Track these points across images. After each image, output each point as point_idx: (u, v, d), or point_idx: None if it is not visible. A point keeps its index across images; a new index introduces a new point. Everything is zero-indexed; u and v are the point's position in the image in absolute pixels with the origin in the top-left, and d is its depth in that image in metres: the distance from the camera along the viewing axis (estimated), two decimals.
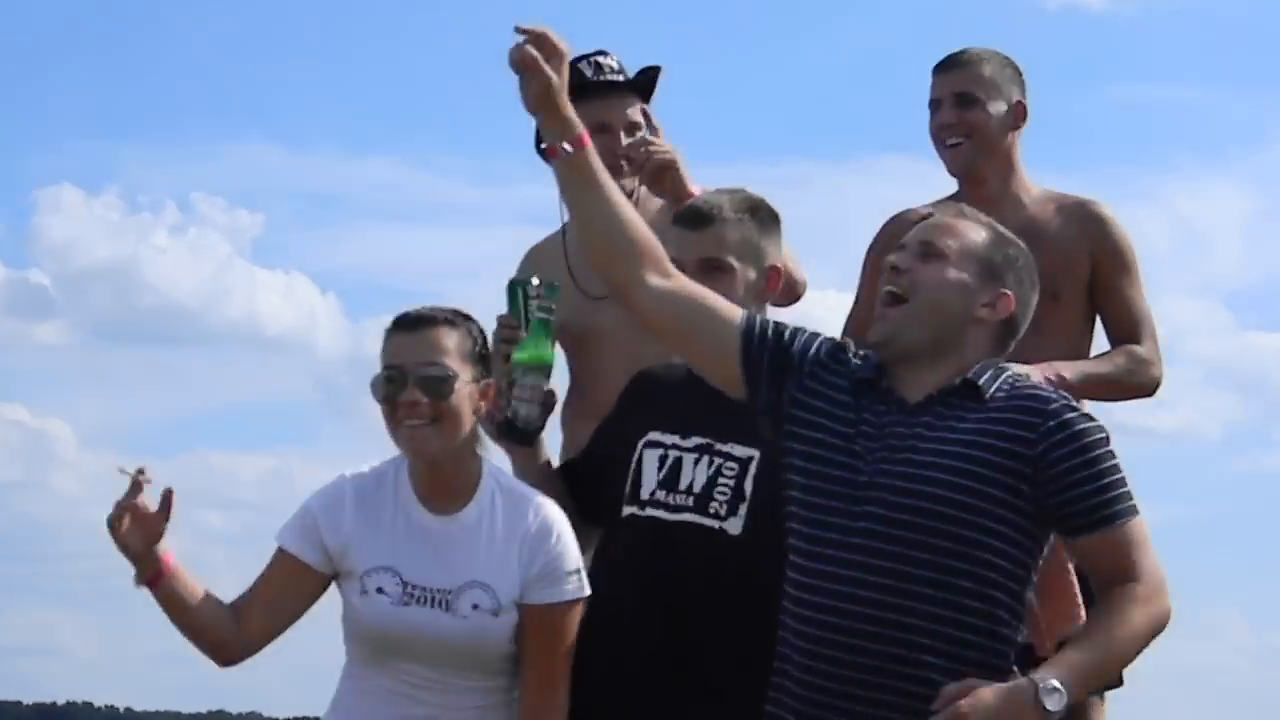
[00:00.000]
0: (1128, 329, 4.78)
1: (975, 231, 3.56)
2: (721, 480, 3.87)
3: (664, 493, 3.91)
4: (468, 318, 3.87)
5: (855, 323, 4.79)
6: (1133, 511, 3.42)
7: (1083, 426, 3.42)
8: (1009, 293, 3.54)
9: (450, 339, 3.77)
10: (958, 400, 3.48)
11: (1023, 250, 3.62)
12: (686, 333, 3.61)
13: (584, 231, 3.60)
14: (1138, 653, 3.42)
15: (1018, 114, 4.83)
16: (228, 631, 3.78)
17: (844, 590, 3.39)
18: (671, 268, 3.62)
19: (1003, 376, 3.51)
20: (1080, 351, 4.74)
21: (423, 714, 3.76)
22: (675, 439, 3.95)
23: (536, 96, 3.49)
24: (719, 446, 3.91)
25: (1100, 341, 4.89)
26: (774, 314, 4.09)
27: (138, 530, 3.64)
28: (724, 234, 3.96)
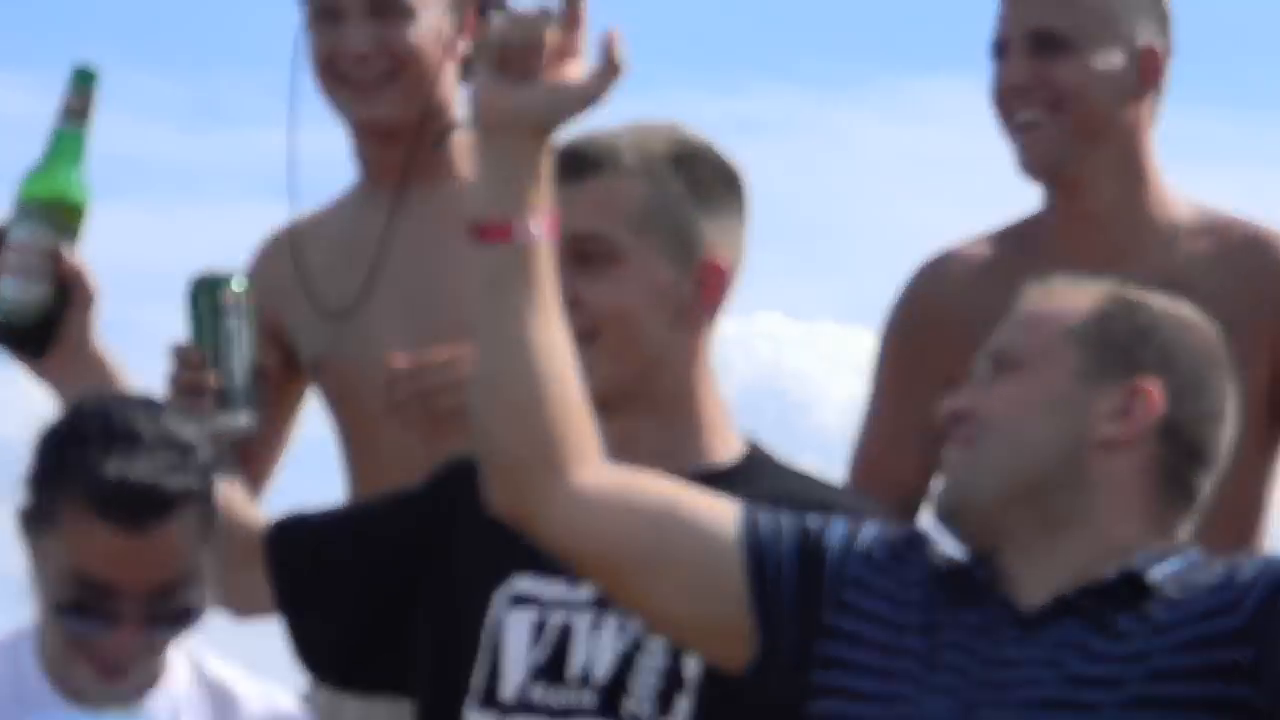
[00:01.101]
0: None
1: (1078, 305, 2.56)
2: (644, 659, 2.72)
3: (544, 686, 2.74)
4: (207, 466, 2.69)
5: (870, 448, 3.38)
6: None
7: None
8: (1147, 386, 2.48)
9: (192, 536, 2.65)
10: (1107, 605, 2.46)
11: (1168, 314, 2.53)
12: (638, 570, 2.52)
13: (496, 376, 2.51)
14: None
15: (1146, 68, 3.21)
16: None
17: None
18: (598, 455, 2.55)
19: (1182, 566, 2.48)
20: (1247, 504, 3.30)
21: None
22: (560, 589, 2.75)
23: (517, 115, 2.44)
24: None
25: None
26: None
27: None
28: (615, 191, 2.73)
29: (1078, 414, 2.51)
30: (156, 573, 2.62)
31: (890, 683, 2.53)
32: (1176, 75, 3.29)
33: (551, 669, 2.69)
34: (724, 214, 2.74)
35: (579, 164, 2.66)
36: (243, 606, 2.77)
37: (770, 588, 2.54)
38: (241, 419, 3.00)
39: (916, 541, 2.62)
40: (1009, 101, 3.21)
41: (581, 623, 2.69)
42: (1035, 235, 3.28)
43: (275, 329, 3.28)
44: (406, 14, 3.20)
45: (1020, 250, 3.27)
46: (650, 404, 2.65)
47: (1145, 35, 3.24)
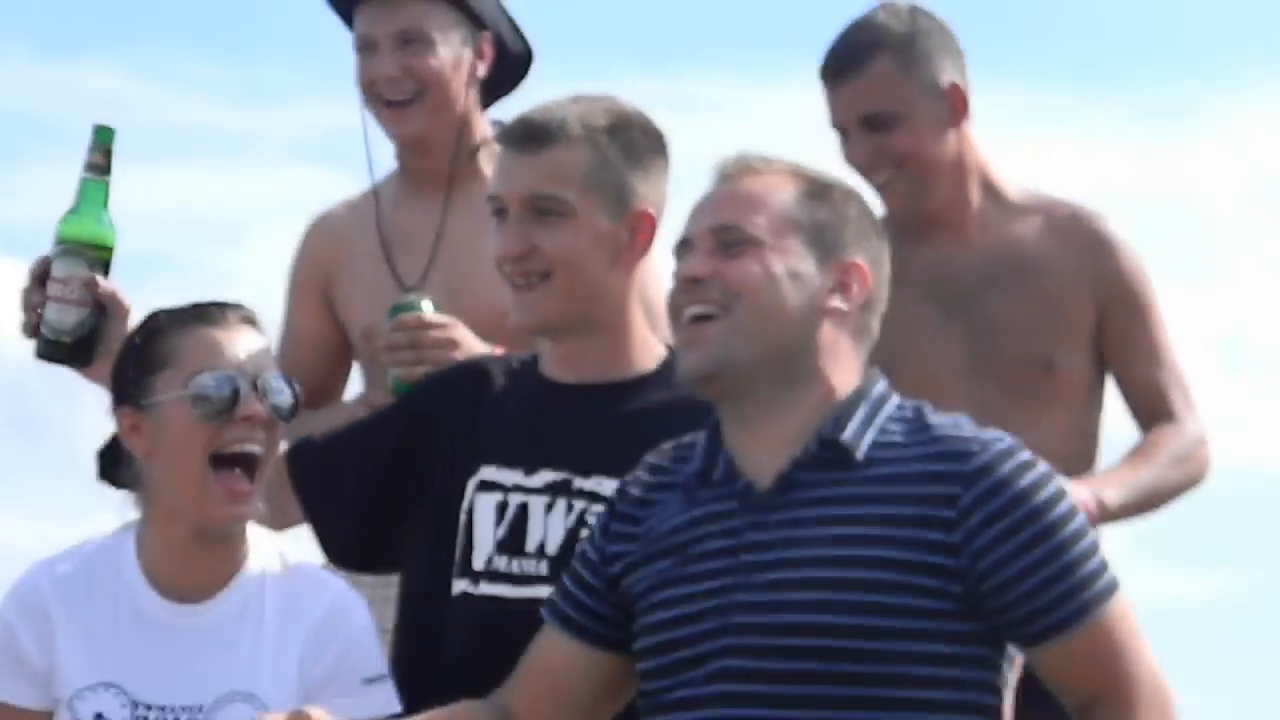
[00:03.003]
0: (1157, 399, 3.70)
1: (782, 189, 2.76)
2: (586, 532, 3.03)
3: (506, 558, 3.08)
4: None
5: None
6: (1107, 593, 2.65)
7: (1023, 483, 2.65)
8: (858, 261, 2.75)
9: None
10: (820, 473, 2.69)
11: (846, 190, 2.81)
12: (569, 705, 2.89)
13: None
14: None
15: (955, 105, 3.61)
16: None
17: None
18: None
19: (882, 414, 2.72)
20: (1084, 427, 3.70)
21: None
22: (517, 476, 3.09)
23: None
24: (579, 484, 3.08)
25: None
26: None
27: None
28: (565, 158, 3.06)
29: (811, 287, 2.70)
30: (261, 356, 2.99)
31: (666, 607, 2.74)
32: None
33: (512, 543, 3.03)
34: (653, 171, 3.09)
35: (536, 136, 3.04)
36: (280, 522, 3.10)
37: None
38: None
39: (648, 472, 2.84)
40: (864, 171, 3.59)
41: (536, 504, 3.03)
42: (903, 223, 3.57)
43: (325, 300, 3.75)
44: (428, 43, 3.63)
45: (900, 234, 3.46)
46: (591, 328, 3.02)
47: (946, 76, 3.58)
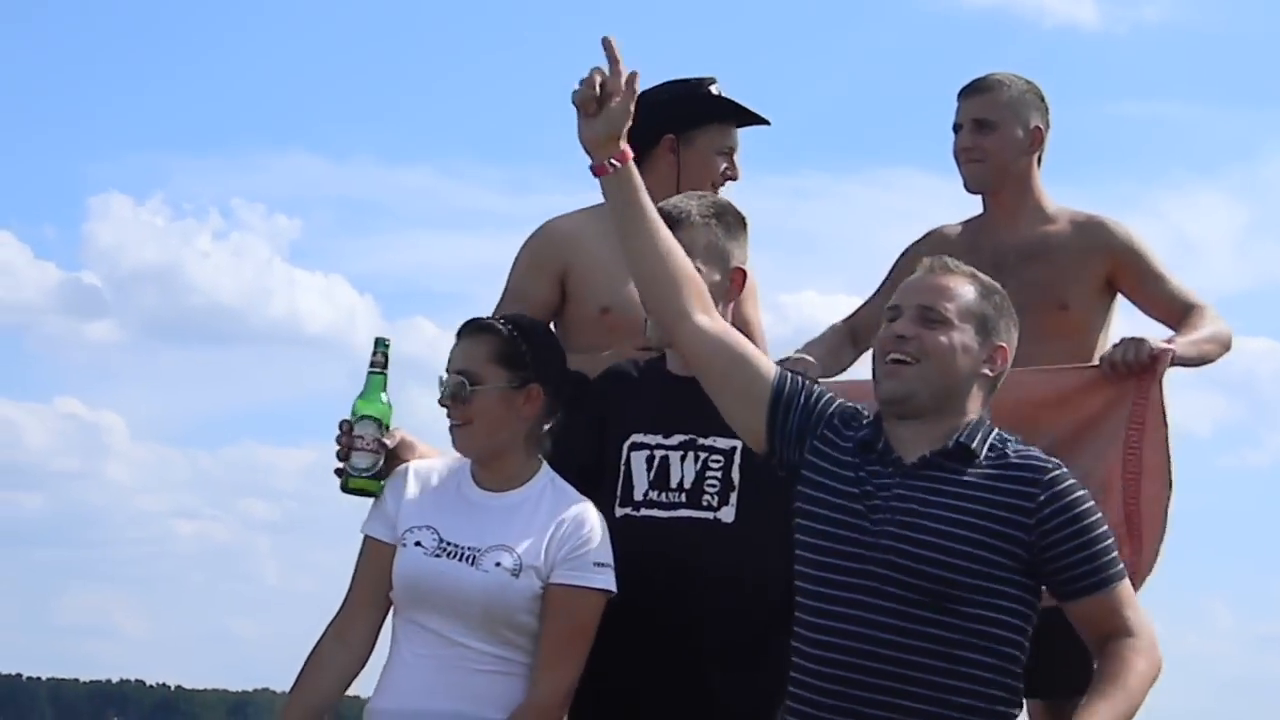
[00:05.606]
0: (1179, 309, 4.85)
1: (966, 288, 3.64)
2: (709, 473, 3.99)
3: (656, 492, 4.03)
4: (510, 323, 4.07)
5: (865, 313, 5.07)
6: (1120, 575, 3.59)
7: (1076, 495, 3.55)
8: (1004, 345, 3.65)
9: (480, 346, 4.02)
10: (951, 462, 3.58)
11: (1002, 292, 3.71)
12: (721, 378, 3.70)
13: (630, 256, 3.69)
14: (1144, 698, 3.57)
15: (1034, 138, 5.01)
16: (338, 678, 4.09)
17: (848, 645, 3.51)
18: (713, 307, 3.74)
19: (991, 436, 3.61)
20: (1087, 356, 4.84)
21: (441, 683, 3.96)
22: (658, 438, 4.05)
23: (599, 136, 3.58)
24: (702, 441, 4.02)
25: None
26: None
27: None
28: (692, 238, 3.99)
29: (975, 358, 3.57)
30: (453, 363, 4.01)
31: (841, 511, 3.51)
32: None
33: (660, 482, 3.96)
34: (740, 239, 4.06)
35: (669, 221, 3.81)
36: None
37: (778, 416, 3.63)
38: None
39: (854, 417, 3.64)
40: (961, 154, 4.97)
41: (674, 456, 3.96)
42: (980, 220, 5.02)
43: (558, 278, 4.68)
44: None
45: (973, 227, 5.00)
46: None
47: (1035, 120, 4.97)
